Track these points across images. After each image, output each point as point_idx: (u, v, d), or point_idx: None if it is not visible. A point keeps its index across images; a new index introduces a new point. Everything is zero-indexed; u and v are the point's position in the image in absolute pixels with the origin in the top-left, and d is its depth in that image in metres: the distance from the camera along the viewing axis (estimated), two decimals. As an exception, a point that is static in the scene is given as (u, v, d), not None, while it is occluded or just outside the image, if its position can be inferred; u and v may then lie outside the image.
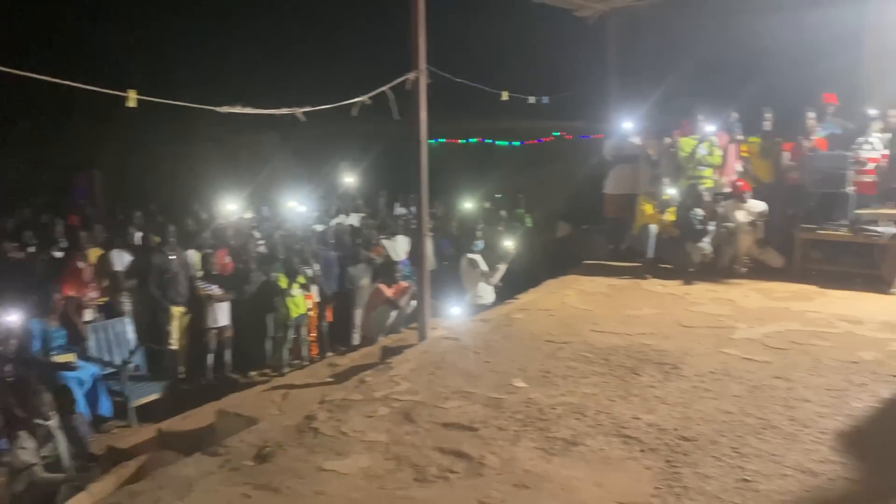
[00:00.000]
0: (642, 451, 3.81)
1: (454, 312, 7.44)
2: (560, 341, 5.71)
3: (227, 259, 8.51)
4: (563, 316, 6.51)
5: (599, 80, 9.83)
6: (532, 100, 7.92)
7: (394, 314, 7.26)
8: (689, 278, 7.78)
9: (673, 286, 7.58)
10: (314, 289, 8.27)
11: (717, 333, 5.83)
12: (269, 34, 18.42)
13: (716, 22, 9.19)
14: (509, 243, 8.05)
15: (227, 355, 7.99)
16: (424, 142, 5.69)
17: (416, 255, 6.32)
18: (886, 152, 7.69)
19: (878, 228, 7.21)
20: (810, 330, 5.84)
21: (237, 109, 4.50)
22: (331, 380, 5.69)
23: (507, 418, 4.25)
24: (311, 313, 8.31)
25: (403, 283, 7.55)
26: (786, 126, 8.32)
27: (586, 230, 10.33)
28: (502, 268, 7.76)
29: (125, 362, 7.32)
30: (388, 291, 7.42)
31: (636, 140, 8.83)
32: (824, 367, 4.95)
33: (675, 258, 8.18)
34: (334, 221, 9.88)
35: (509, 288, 8.39)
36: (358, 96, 5.35)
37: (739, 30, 9.08)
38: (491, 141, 16.83)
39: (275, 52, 18.32)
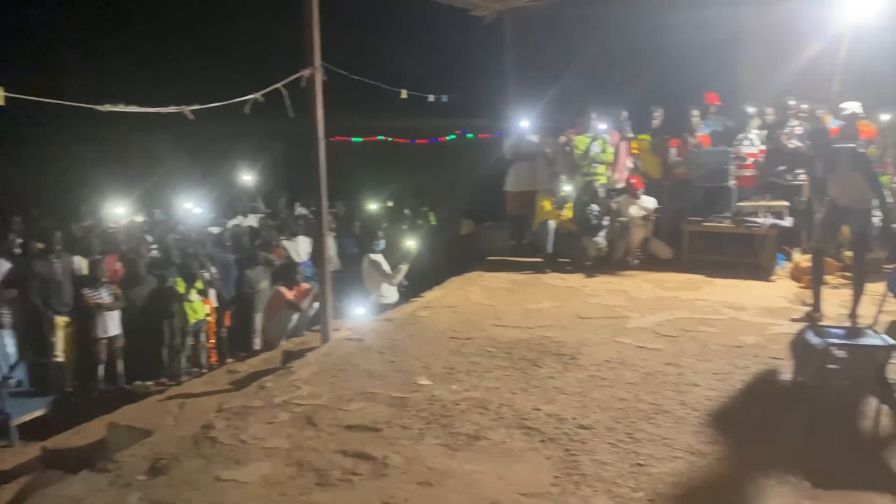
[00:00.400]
0: (542, 441, 3.90)
1: (358, 313, 7.38)
2: (464, 337, 5.77)
3: (118, 265, 8.09)
4: (466, 312, 6.57)
5: (498, 78, 9.98)
6: (431, 98, 7.94)
7: (296, 317, 7.12)
8: (586, 271, 8.03)
9: (571, 279, 7.80)
10: (212, 293, 7.99)
11: (613, 323, 6.04)
12: (160, 30, 17.67)
13: (606, 23, 9.54)
14: (411, 243, 8.04)
15: (120, 366, 7.60)
16: (322, 140, 5.60)
17: (317, 255, 6.21)
18: (764, 147, 8.20)
19: (758, 220, 7.68)
20: (698, 317, 6.15)
21: (120, 108, 4.27)
22: (230, 387, 5.52)
23: (412, 417, 4.25)
24: (210, 319, 8.03)
25: (305, 285, 7.41)
26: (673, 123, 8.72)
27: (489, 227, 10.48)
28: (404, 268, 7.74)
29: (5, 378, 6.84)
30: (289, 294, 7.27)
31: (534, 138, 9.03)
32: (711, 353, 5.22)
33: (573, 252, 8.44)
34: (232, 223, 9.58)
35: (414, 286, 8.40)
36: (253, 94, 5.21)
37: (628, 30, 9.46)
38: (393, 139, 16.79)
39: (166, 48, 17.58)
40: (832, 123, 8.22)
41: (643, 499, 3.30)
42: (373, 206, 10.34)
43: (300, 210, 10.26)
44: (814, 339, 4.11)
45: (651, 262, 8.29)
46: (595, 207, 8.31)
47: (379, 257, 7.89)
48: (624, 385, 4.66)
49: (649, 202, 8.27)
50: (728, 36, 9.67)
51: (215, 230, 9.17)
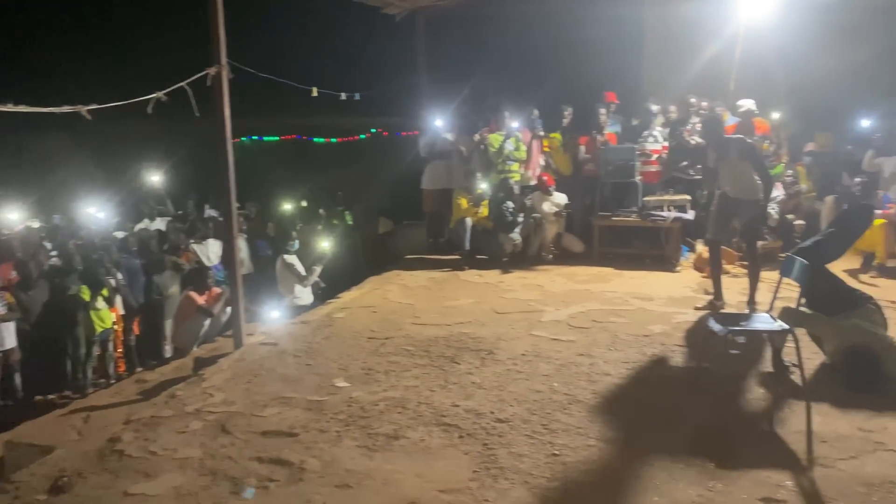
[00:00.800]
0: (461, 437, 3.93)
1: (273, 316, 7.23)
2: (382, 337, 5.74)
3: (13, 274, 7.62)
4: (385, 311, 6.55)
5: (411, 76, 9.99)
6: (343, 96, 7.87)
7: (207, 323, 6.90)
8: (502, 267, 8.15)
9: (489, 275, 7.89)
10: (119, 301, 7.64)
11: (528, 317, 6.15)
12: (59, 26, 16.76)
13: (516, 22, 9.72)
14: (326, 244, 7.93)
15: (17, 380, 7.16)
16: (229, 139, 5.45)
17: (228, 259, 6.04)
18: (667, 144, 8.53)
19: (663, 213, 7.99)
20: (608, 308, 6.34)
21: (8, 108, 4.03)
22: (139, 397, 5.29)
23: (329, 420, 4.20)
24: (117, 327, 7.68)
25: (217, 290, 7.18)
26: (582, 121, 8.95)
27: (407, 225, 10.48)
28: (318, 269, 7.64)
29: None
30: (200, 299, 7.03)
31: (449, 136, 9.09)
32: (621, 342, 5.40)
33: (490, 249, 8.54)
34: (138, 227, 9.19)
35: (332, 287, 8.31)
36: (156, 93, 5.01)
37: (537, 29, 9.68)
38: (309, 138, 16.54)
39: (65, 45, 16.70)
40: (730, 120, 8.65)
41: (559, 488, 3.37)
42: (287, 207, 10.14)
43: (210, 212, 9.95)
44: (715, 326, 4.30)
45: (564, 257, 8.49)
46: (510, 204, 8.44)
47: (293, 258, 7.75)
48: (539, 377, 4.76)
49: (561, 198, 8.47)
50: (633, 34, 10.04)
51: (120, 235, 8.78)
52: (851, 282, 7.07)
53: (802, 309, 4.61)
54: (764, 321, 4.36)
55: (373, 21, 9.69)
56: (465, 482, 3.46)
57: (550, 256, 8.46)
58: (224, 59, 5.41)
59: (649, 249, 8.12)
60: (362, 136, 15.56)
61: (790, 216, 8.31)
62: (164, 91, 4.86)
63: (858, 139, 8.77)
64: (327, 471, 3.61)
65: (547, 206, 8.40)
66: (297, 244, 7.85)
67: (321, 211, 10.26)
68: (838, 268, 7.48)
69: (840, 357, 4.48)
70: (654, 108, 8.70)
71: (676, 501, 3.22)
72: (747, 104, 8.22)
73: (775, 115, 8.89)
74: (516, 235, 8.38)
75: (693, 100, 8.54)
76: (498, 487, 3.41)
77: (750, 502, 3.20)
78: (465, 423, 4.08)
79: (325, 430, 4.06)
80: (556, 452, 3.71)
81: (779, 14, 7.88)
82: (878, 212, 7.33)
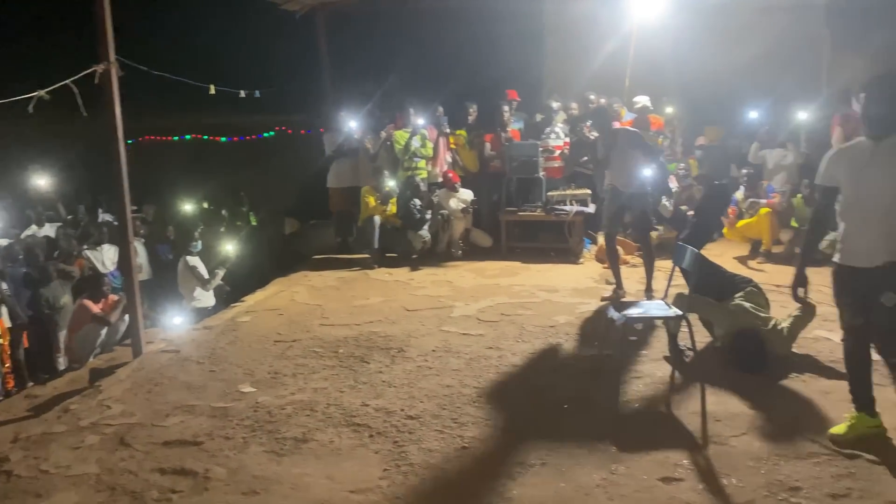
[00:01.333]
0: (371, 436, 3.91)
1: (175, 322, 6.96)
2: (289, 340, 5.63)
3: None
4: (292, 313, 6.43)
5: (315, 74, 9.84)
6: (243, 94, 7.66)
7: (104, 332, 6.57)
8: (412, 265, 8.16)
9: (398, 273, 7.88)
10: (4, 313, 7.16)
11: (438, 314, 6.19)
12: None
13: (419, 19, 9.73)
14: (229, 246, 7.70)
15: None
16: (121, 140, 5.21)
17: (123, 264, 5.76)
18: (568, 140, 8.77)
19: (566, 207, 8.22)
20: (516, 301, 6.47)
21: None
22: (29, 413, 4.97)
23: (235, 426, 4.09)
24: (3, 341, 7.19)
25: (114, 297, 6.85)
26: (487, 118, 9.07)
27: (314, 225, 10.33)
28: (221, 273, 7.41)
29: None
30: (96, 307, 6.69)
31: (355, 134, 9.01)
32: (528, 334, 5.51)
33: (399, 246, 8.53)
34: (25, 234, 8.64)
35: (237, 290, 8.07)
36: (38, 91, 4.73)
37: (440, 27, 9.72)
38: (211, 137, 16.02)
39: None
40: (627, 116, 8.98)
41: (469, 480, 3.41)
42: (188, 208, 9.78)
43: (104, 216, 9.48)
44: (614, 314, 4.46)
45: (473, 252, 8.59)
46: (418, 202, 8.46)
47: (195, 260, 7.48)
48: (449, 372, 4.79)
49: (467, 195, 8.56)
50: (534, 31, 10.25)
51: (4, 242, 8.23)
52: (740, 268, 7.52)
53: (694, 295, 4.86)
54: (659, 308, 4.56)
55: (275, 18, 9.48)
56: (376, 481, 3.45)
57: (460, 252, 8.53)
58: (112, 56, 5.16)
59: (554, 243, 8.32)
60: (267, 135, 15.20)
61: (683, 207, 8.73)
62: (46, 89, 4.59)
63: (746, 132, 9.28)
64: (234, 478, 3.52)
65: (454, 203, 8.47)
66: (199, 245, 7.58)
67: (224, 212, 9.97)
68: (728, 255, 7.96)
69: (729, 340, 4.74)
70: (556, 104, 8.92)
71: (581, 486, 3.32)
72: (642, 100, 8.56)
73: (669, 110, 9.30)
74: (425, 232, 8.41)
75: (592, 96, 8.80)
76: (408, 484, 3.41)
77: (650, 483, 3.34)
78: (376, 422, 4.07)
79: (231, 436, 3.96)
80: (466, 445, 3.75)
81: (668, 15, 8.22)
82: (763, 201, 7.81)
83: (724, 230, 8.17)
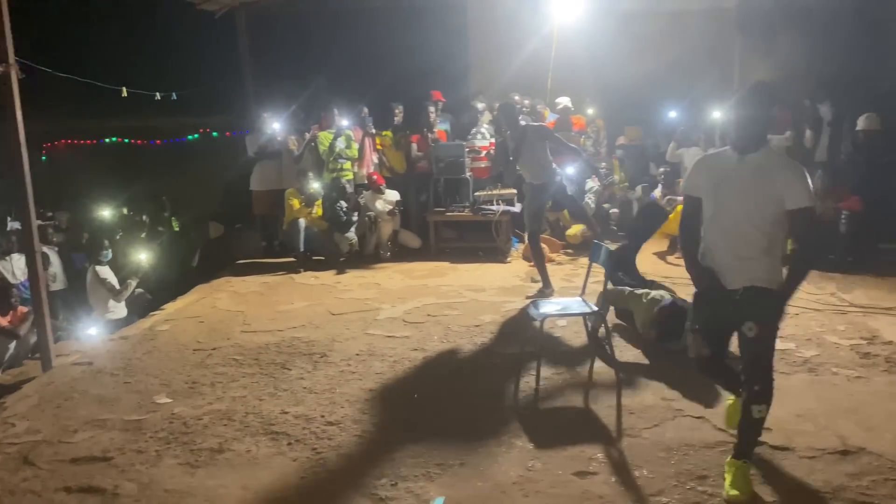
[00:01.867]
0: (289, 444, 3.85)
1: (89, 334, 6.70)
2: (209, 348, 5.50)
3: None
4: (212, 321, 6.27)
5: (236, 75, 9.64)
6: (158, 96, 7.44)
7: (13, 346, 6.26)
8: (339, 267, 8.09)
9: (325, 277, 7.80)
10: None
11: (364, 317, 6.15)
12: None
13: (342, 19, 9.65)
14: (142, 255, 7.43)
15: None
16: (23, 144, 4.98)
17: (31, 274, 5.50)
18: (494, 140, 8.85)
19: (493, 207, 8.29)
20: (443, 302, 6.49)
21: None
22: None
23: (148, 439, 3.96)
24: None
25: (23, 309, 6.55)
26: (413, 119, 9.07)
27: (240, 229, 10.13)
28: (133, 282, 7.15)
29: None
30: (3, 320, 6.38)
31: (278, 135, 8.87)
32: (453, 334, 5.54)
33: (326, 249, 8.45)
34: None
35: (160, 298, 7.82)
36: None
37: (364, 27, 9.67)
38: (130, 140, 15.49)
39: None
40: (550, 117, 9.14)
41: (387, 484, 3.40)
42: (104, 214, 9.42)
43: (13, 224, 9.03)
44: (534, 312, 4.52)
45: (403, 253, 8.58)
46: (344, 203, 8.39)
47: (105, 269, 7.19)
48: (373, 376, 4.77)
49: (393, 196, 8.55)
50: (459, 32, 10.30)
51: None
52: (660, 263, 7.77)
53: (619, 287, 5.00)
54: (577, 305, 4.64)
55: (195, 18, 9.23)
56: (293, 489, 3.40)
57: (388, 254, 8.51)
58: (12, 58, 4.92)
59: (482, 242, 8.39)
60: (191, 137, 14.80)
61: (606, 205, 8.93)
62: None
63: (664, 132, 9.56)
64: (145, 493, 3.41)
65: (380, 205, 8.45)
66: (109, 254, 7.29)
67: (144, 218, 9.65)
68: (648, 251, 8.19)
69: (653, 319, 4.85)
70: (480, 105, 9.00)
71: (498, 484, 3.35)
72: (563, 101, 8.71)
73: (590, 111, 9.50)
74: (352, 235, 8.36)
75: (517, 97, 8.91)
76: (325, 491, 3.38)
77: (565, 478, 3.39)
78: (295, 429, 4.01)
79: (143, 450, 3.83)
80: (387, 449, 3.73)
81: (587, 18, 8.40)
82: (679, 199, 8.05)
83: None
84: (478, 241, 8.43)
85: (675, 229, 7.98)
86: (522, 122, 6.81)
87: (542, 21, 8.71)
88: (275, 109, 9.06)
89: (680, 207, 7.89)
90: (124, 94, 6.57)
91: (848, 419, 3.84)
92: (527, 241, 8.18)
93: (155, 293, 8.09)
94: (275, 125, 8.79)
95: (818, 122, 7.83)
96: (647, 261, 7.84)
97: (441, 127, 9.00)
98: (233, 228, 10.14)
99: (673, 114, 9.41)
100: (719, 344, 3.29)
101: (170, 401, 4.50)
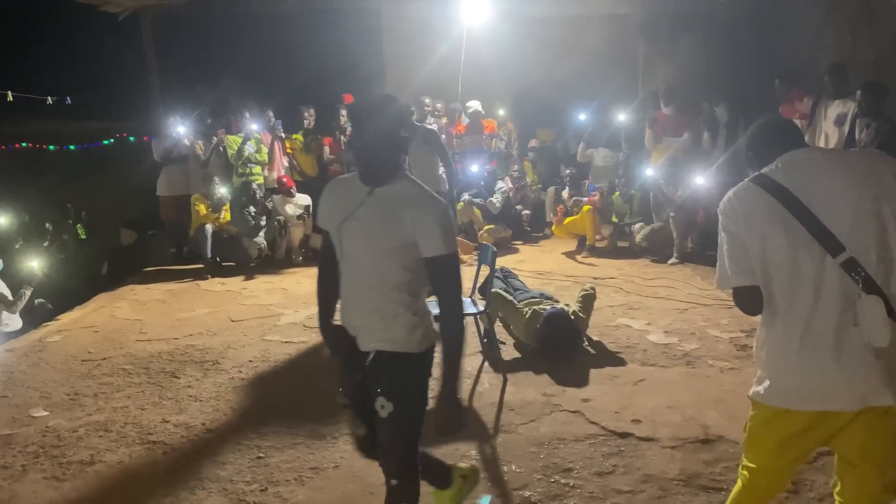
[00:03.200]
0: (165, 453, 3.80)
1: (-23, 347, 6.43)
2: (99, 358, 5.36)
3: None
4: (107, 330, 6.11)
5: (142, 78, 9.42)
6: (50, 100, 7.22)
7: None
8: (248, 273, 7.98)
9: (232, 283, 7.68)
10: None
11: (264, 323, 6.09)
12: None
13: (253, 22, 9.54)
14: (33, 263, 7.16)
15: None
16: None
17: None
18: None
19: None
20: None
21: None
22: None
23: (17, 454, 3.84)
24: None
25: None
26: (325, 122, 9.03)
27: (153, 235, 9.89)
28: (28, 292, 6.90)
29: None
30: None
31: (185, 140, 8.70)
32: (352, 338, 5.53)
33: (235, 255, 8.33)
34: None
35: (62, 307, 7.55)
36: None
37: (275, 29, 9.57)
38: (30, 145, 14.94)
39: None
40: (465, 120, 9.25)
41: (256, 490, 3.38)
42: (4, 222, 9.05)
43: None
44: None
45: (316, 258, 8.49)
46: (252, 208, 8.29)
47: (-2, 281, 6.92)
48: (261, 383, 4.74)
49: (304, 199, 8.49)
50: (371, 33, 10.30)
51: None
52: (569, 262, 7.93)
53: (500, 292, 5.08)
54: (466, 305, 4.71)
55: (93, 20, 8.99)
56: (160, 498, 3.35)
57: (300, 258, 8.44)
58: None
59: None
60: (106, 142, 14.37)
61: (518, 206, 9.08)
62: None
63: (574, 134, 9.77)
64: (2, 511, 3.31)
65: (290, 209, 8.38)
66: (0, 264, 7.02)
67: (48, 225, 9.31)
68: (557, 251, 8.37)
69: (536, 328, 4.91)
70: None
71: (367, 486, 3.37)
72: (474, 105, 8.82)
73: (501, 113, 9.64)
74: (261, 239, 8.27)
75: (427, 100, 8.96)
76: (193, 498, 3.34)
77: (436, 475, 3.44)
78: (173, 438, 3.95)
79: (9, 465, 3.71)
80: (262, 455, 3.72)
81: (495, 23, 8.52)
82: (585, 199, 8.26)
83: (553, 227, 8.58)
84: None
85: (582, 229, 8.23)
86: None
87: (451, 25, 8.80)
88: (182, 113, 8.87)
89: (586, 208, 8.13)
90: (9, 98, 6.34)
91: (714, 409, 4.02)
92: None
93: (57, 303, 7.82)
94: (179, 129, 8.61)
95: (715, 125, 8.14)
96: (555, 260, 8.02)
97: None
98: (146, 235, 9.89)
99: (582, 116, 9.63)
100: (370, 418, 2.47)
101: (46, 413, 4.37)
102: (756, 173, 2.21)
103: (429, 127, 6.57)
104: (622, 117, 8.80)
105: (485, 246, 4.85)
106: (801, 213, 2.06)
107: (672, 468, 3.41)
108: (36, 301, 7.50)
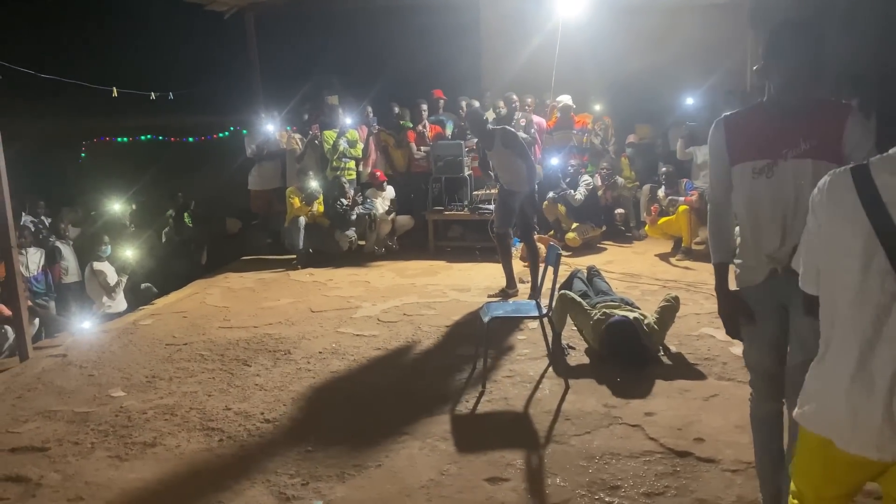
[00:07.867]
0: (220, 440, 3.90)
1: (83, 327, 6.92)
2: (181, 343, 5.61)
3: None
4: (195, 316, 6.40)
5: (245, 74, 9.81)
6: (153, 96, 7.63)
7: (12, 336, 6.52)
8: (336, 264, 8.14)
9: (320, 274, 7.86)
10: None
11: (341, 315, 6.17)
12: None
13: (352, 17, 9.71)
14: (128, 252, 7.62)
15: None
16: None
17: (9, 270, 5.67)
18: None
19: (490, 206, 8.21)
20: (424, 301, 6.46)
21: None
22: None
23: (89, 431, 4.07)
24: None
25: (28, 302, 6.81)
26: (415, 118, 9.06)
27: (256, 225, 10.30)
28: (124, 279, 7.35)
29: None
30: (5, 310, 6.65)
31: (276, 136, 8.97)
32: (421, 334, 5.51)
33: (327, 247, 8.53)
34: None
35: (168, 292, 8.00)
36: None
37: (372, 28, 9.70)
38: (152, 137, 15.95)
39: None
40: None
41: (297, 483, 3.41)
42: (115, 209, 9.69)
43: (27, 219, 9.41)
44: (482, 313, 4.47)
45: (404, 251, 8.58)
46: (345, 201, 8.45)
47: (103, 265, 7.41)
48: (327, 375, 4.79)
49: (390, 193, 8.57)
50: (469, 29, 10.24)
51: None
52: (661, 265, 7.56)
53: (568, 293, 4.88)
54: (528, 308, 4.56)
55: (200, 19, 9.44)
56: (206, 485, 3.44)
57: (383, 250, 8.54)
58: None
59: (480, 242, 8.32)
60: (222, 135, 15.12)
61: (610, 203, 8.74)
62: None
63: (675, 128, 9.26)
64: (65, 484, 3.50)
65: (380, 203, 8.48)
66: (108, 249, 7.52)
67: (170, 213, 9.89)
68: (650, 253, 8.00)
69: (602, 337, 4.69)
70: (476, 104, 8.93)
71: (405, 487, 3.32)
72: (564, 99, 8.57)
73: (598, 108, 9.31)
74: (352, 233, 8.41)
75: (514, 96, 8.80)
76: (237, 487, 3.41)
77: (475, 483, 3.34)
78: (231, 426, 4.06)
79: (80, 442, 3.94)
80: (310, 448, 3.75)
81: (591, 14, 8.22)
82: (681, 199, 7.82)
83: (647, 227, 8.20)
84: (475, 241, 8.37)
85: (678, 230, 7.81)
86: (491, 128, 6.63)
87: (546, 18, 8.58)
88: (280, 109, 9.18)
89: (682, 208, 7.70)
90: (115, 94, 6.75)
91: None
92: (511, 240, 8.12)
93: (163, 287, 8.29)
94: (269, 126, 8.90)
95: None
96: (646, 263, 7.67)
97: (447, 126, 8.97)
98: (251, 224, 10.31)
99: (690, 100, 9.11)
100: None
101: (123, 394, 4.61)
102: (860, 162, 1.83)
103: (507, 128, 6.43)
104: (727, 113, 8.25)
105: (552, 246, 4.67)
106: (885, 234, 1.71)
107: (729, 494, 3.14)
108: (142, 285, 8.02)
